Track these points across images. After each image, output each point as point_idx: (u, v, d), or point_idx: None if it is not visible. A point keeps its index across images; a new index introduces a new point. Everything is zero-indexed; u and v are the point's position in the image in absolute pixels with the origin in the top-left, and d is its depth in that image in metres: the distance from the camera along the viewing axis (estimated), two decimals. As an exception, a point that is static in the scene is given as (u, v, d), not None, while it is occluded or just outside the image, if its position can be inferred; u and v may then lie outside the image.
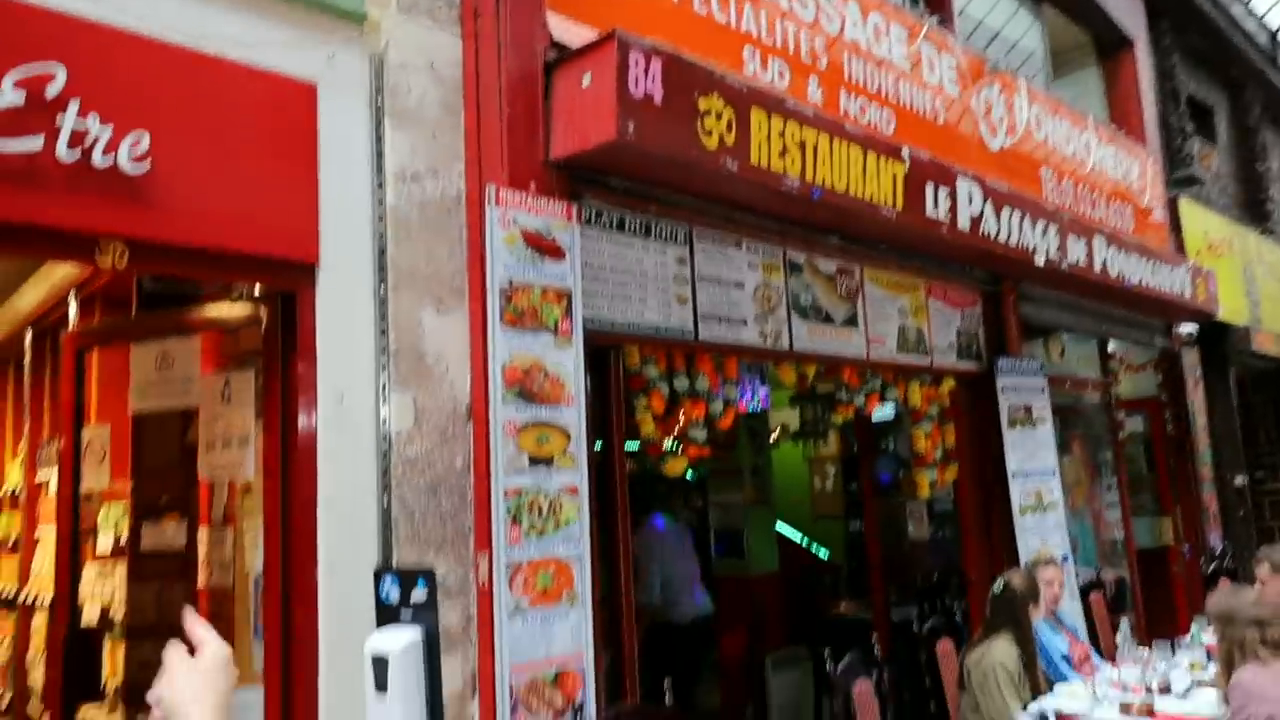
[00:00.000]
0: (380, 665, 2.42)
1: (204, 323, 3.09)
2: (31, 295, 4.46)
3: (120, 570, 3.32)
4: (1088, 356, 6.93)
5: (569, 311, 3.23)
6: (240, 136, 2.73)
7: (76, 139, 2.31)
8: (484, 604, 2.97)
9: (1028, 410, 5.34)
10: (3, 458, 5.32)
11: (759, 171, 3.49)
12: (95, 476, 3.28)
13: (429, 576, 2.57)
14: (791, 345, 4.29)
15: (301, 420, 2.88)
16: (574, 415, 3.19)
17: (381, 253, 3.07)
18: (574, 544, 3.12)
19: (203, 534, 3.21)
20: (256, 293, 3.05)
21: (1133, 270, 5.72)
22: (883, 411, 6.02)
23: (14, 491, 4.82)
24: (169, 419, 3.11)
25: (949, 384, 5.25)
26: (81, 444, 3.26)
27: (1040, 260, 4.88)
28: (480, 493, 3.04)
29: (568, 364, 3.19)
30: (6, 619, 4.76)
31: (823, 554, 8.42)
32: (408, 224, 3.13)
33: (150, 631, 3.22)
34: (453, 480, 3.09)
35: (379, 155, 3.11)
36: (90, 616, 3.34)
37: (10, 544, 4.84)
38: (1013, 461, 5.18)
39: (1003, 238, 4.70)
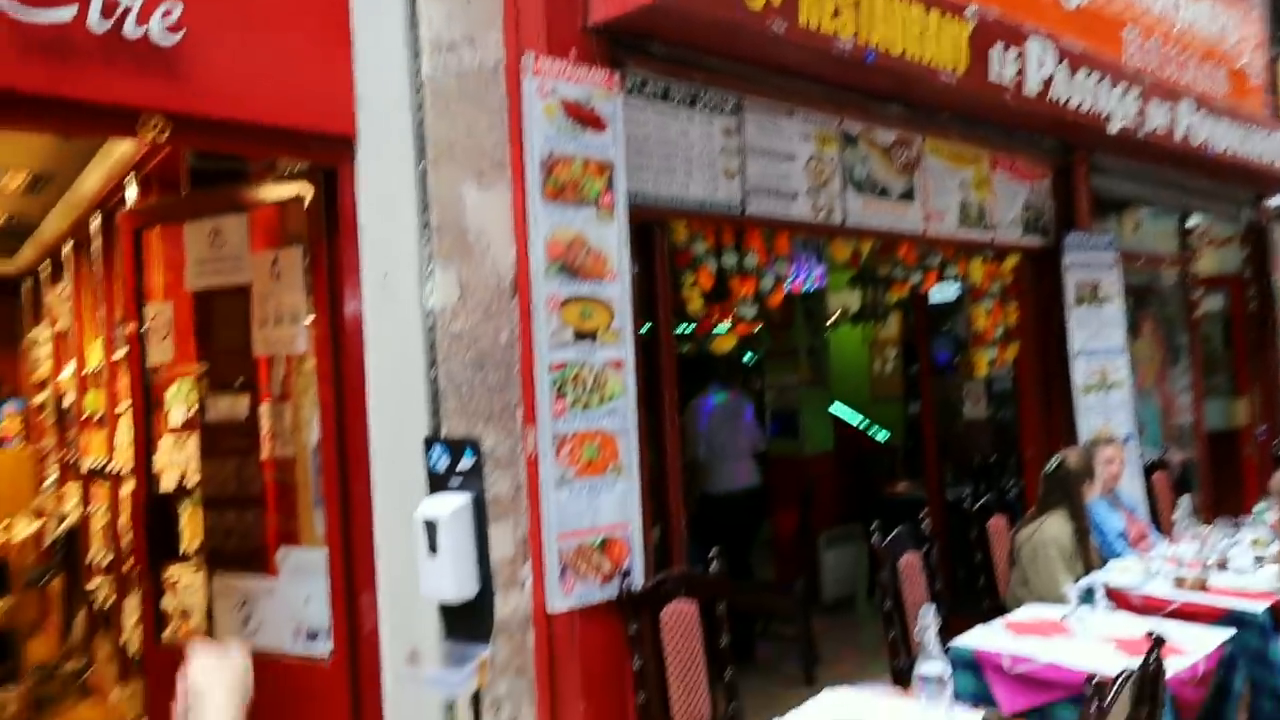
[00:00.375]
0: (431, 529, 2.52)
1: (252, 201, 3.13)
2: (94, 178, 4.58)
3: (192, 442, 3.48)
4: (1165, 231, 6.61)
5: (611, 185, 3.17)
6: (272, 7, 2.69)
7: (109, 8, 2.30)
8: (532, 474, 3.05)
9: (1094, 287, 5.15)
10: (85, 339, 5.57)
11: (809, 34, 3.32)
12: (160, 352, 3.41)
13: (475, 446, 2.63)
14: (845, 220, 4.17)
15: (348, 298, 2.93)
16: (617, 290, 3.18)
17: (420, 126, 3.02)
18: (619, 417, 3.16)
19: (264, 408, 3.33)
20: (300, 170, 3.06)
21: (1221, 137, 5.36)
22: (943, 293, 5.88)
23: (97, 370, 5.06)
24: (227, 296, 3.19)
25: (1013, 260, 5.07)
26: (145, 321, 3.37)
27: (1116, 127, 4.60)
28: (525, 367, 3.07)
29: (610, 238, 3.16)
30: (101, 488, 5.09)
31: (881, 436, 8.43)
32: (445, 95, 3.07)
33: (221, 498, 3.39)
34: (498, 355, 3.12)
35: (414, 24, 3.03)
36: (168, 484, 3.53)
37: (98, 419, 5.12)
38: (1077, 340, 5.04)
39: (1075, 103, 4.43)
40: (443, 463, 2.70)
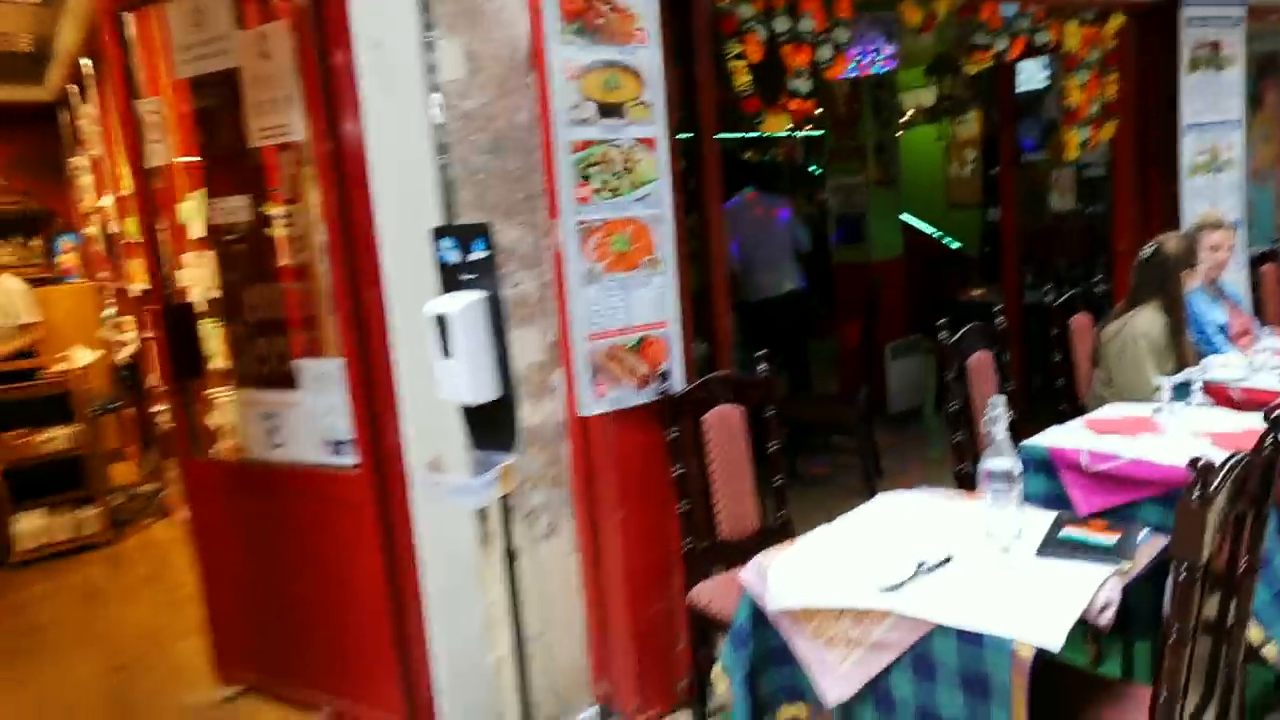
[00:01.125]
0: (442, 326, 2.29)
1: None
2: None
3: (212, 256, 3.30)
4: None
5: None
6: None
7: None
8: (559, 272, 2.78)
9: (1215, 48, 4.47)
10: (116, 161, 5.39)
11: None
12: (159, 153, 3.17)
13: (486, 234, 2.36)
14: (917, -27, 3.59)
15: (340, 76, 2.60)
16: (647, 56, 2.78)
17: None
18: (654, 204, 2.84)
19: (276, 210, 3.10)
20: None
21: None
22: (1031, 79, 5.24)
23: (132, 193, 4.89)
24: (220, 84, 2.89)
25: (1117, 21, 4.41)
26: (138, 119, 3.11)
27: None
28: (547, 151, 2.75)
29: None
30: (149, 313, 5.04)
31: (955, 246, 7.94)
32: None
33: (240, 310, 3.23)
34: (518, 137, 2.81)
35: None
36: (197, 300, 3.38)
37: (138, 244, 5.00)
38: (1189, 112, 4.43)
39: None
40: (453, 255, 2.44)
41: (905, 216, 6.83)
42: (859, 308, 5.75)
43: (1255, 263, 4.75)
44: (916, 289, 6.65)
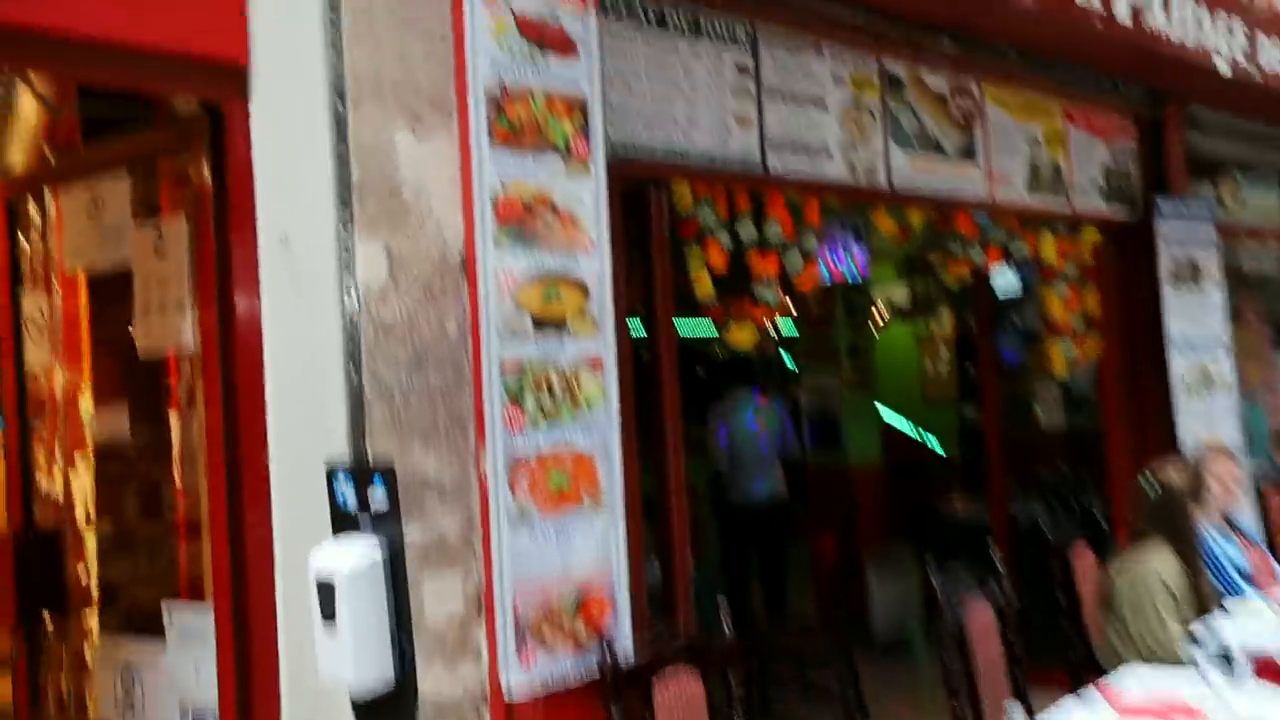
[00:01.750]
0: (326, 591, 1.84)
1: (129, 155, 2.49)
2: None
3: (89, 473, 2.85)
4: (1269, 201, 5.74)
5: (585, 129, 2.48)
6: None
7: None
8: (485, 509, 2.36)
9: (1194, 266, 4.34)
10: None
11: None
12: (41, 351, 2.78)
13: (387, 474, 1.96)
14: (890, 183, 3.44)
15: (239, 278, 2.27)
16: (595, 265, 2.48)
17: (336, 53, 2.36)
18: (597, 432, 2.46)
19: (173, 419, 2.69)
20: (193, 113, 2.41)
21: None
22: (1006, 280, 5.10)
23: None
24: (114, 281, 2.55)
25: (1092, 235, 4.28)
26: (22, 316, 2.74)
27: (1225, 67, 3.80)
28: (477, 365, 2.39)
29: (585, 197, 2.46)
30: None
31: (934, 446, 7.63)
32: (370, 14, 2.41)
33: (113, 537, 2.75)
34: (444, 350, 2.45)
35: None
36: (79, 518, 2.89)
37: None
38: (1174, 329, 4.23)
39: (1175, 37, 3.64)
40: (349, 497, 2.02)
41: (881, 409, 6.55)
42: (835, 516, 5.32)
43: (1258, 489, 4.43)
44: (897, 495, 6.26)
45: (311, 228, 2.32)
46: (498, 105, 2.34)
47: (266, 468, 2.25)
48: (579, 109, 2.48)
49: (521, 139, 2.37)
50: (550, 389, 2.38)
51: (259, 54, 2.29)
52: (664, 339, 2.94)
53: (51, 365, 2.86)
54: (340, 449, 2.32)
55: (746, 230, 3.12)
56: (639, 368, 2.84)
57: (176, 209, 2.42)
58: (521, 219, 2.36)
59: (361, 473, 1.99)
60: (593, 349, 2.47)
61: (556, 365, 2.40)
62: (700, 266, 3.02)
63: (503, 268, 2.32)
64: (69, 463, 2.93)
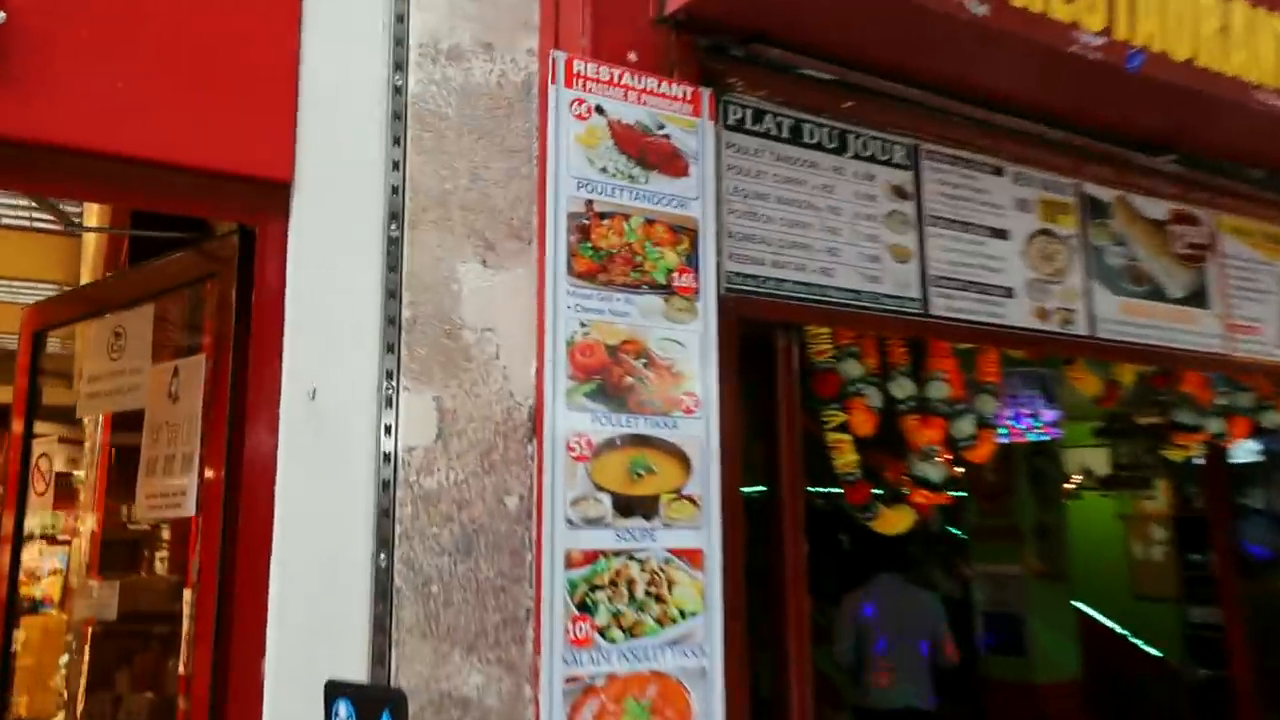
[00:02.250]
0: None
1: (154, 283, 2.37)
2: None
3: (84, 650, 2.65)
4: None
5: (694, 259, 2.20)
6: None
7: None
8: (541, 745, 1.97)
9: None
10: None
11: (1030, 20, 2.29)
12: (41, 506, 2.63)
13: (397, 708, 1.61)
14: (1092, 331, 2.99)
15: (256, 432, 2.06)
16: (699, 430, 2.14)
17: (397, 169, 2.21)
18: (694, 651, 2.06)
19: (186, 596, 2.47)
20: (228, 232, 2.28)
21: None
22: (1248, 450, 4.45)
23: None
24: (129, 429, 2.40)
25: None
26: (30, 464, 2.62)
27: None
28: (539, 557, 2.06)
29: (689, 343, 2.16)
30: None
31: (1152, 655, 6.70)
32: (440, 125, 2.26)
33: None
34: (501, 532, 2.16)
35: (401, 17, 2.28)
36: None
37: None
38: None
39: None
40: (350, 731, 1.68)
41: (1079, 607, 5.78)
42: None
43: None
44: (1100, 721, 5.43)
45: (347, 374, 2.09)
46: (583, 229, 2.09)
47: (260, 674, 1.96)
48: (686, 236, 2.20)
49: (610, 270, 2.10)
50: (632, 592, 2.01)
51: (305, 167, 2.13)
52: (789, 523, 2.54)
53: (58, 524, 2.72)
54: (356, 656, 2.01)
55: (902, 387, 2.75)
56: (756, 543, 2.46)
57: (197, 346, 2.25)
58: (605, 369, 2.06)
59: (366, 703, 1.65)
60: (692, 540, 2.10)
61: (642, 561, 2.04)
62: (841, 432, 2.64)
63: (575, 430, 2.01)
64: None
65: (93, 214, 3.28)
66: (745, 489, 2.36)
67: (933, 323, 2.70)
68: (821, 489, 4.57)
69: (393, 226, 2.18)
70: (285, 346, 2.08)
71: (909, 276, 2.68)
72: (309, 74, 2.17)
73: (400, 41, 2.27)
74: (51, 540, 5.35)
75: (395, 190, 2.20)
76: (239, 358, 2.11)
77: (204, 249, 2.24)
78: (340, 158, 2.18)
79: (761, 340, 2.52)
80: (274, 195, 2.12)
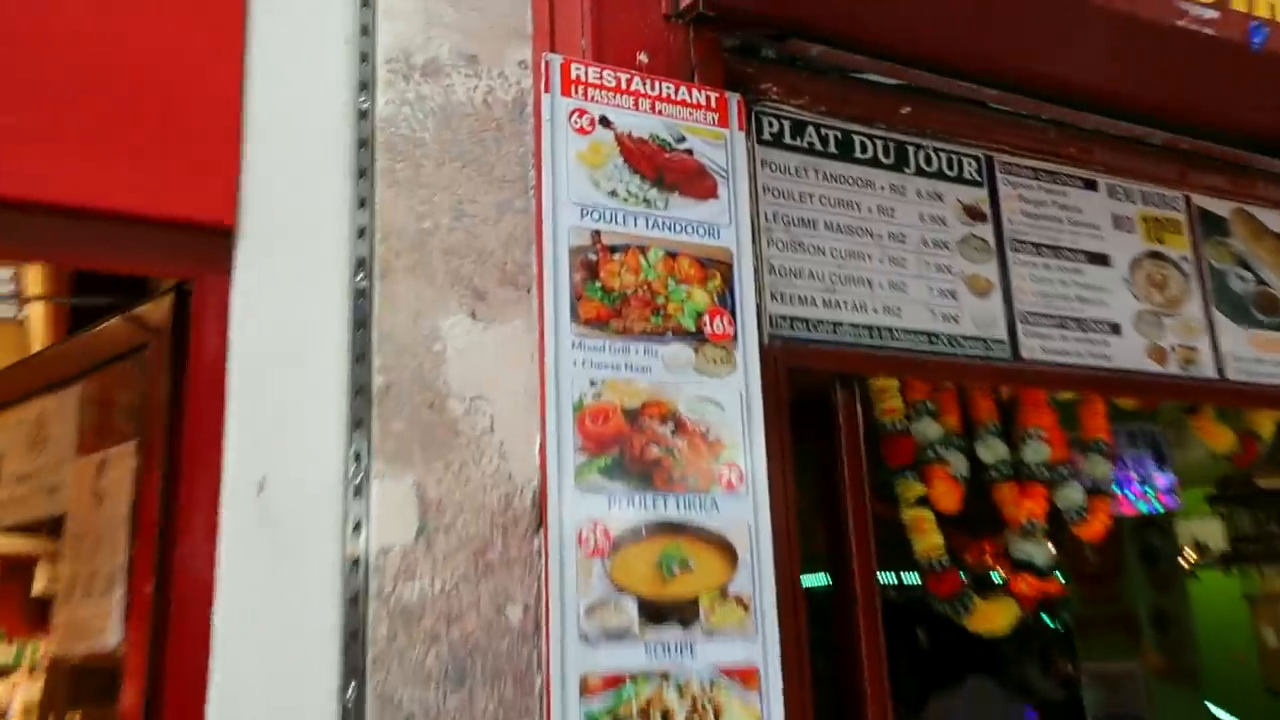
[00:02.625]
0: None
1: (80, 360, 2.13)
2: None
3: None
4: None
5: (729, 300, 1.93)
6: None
7: None
8: None
9: None
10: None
11: (1123, -8, 2.04)
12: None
13: None
14: (1221, 372, 2.68)
15: (188, 537, 1.79)
16: (746, 512, 1.85)
17: (361, 206, 1.99)
18: (750, 798, 1.73)
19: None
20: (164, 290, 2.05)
21: None
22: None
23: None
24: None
25: None
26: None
27: None
28: (549, 683, 1.76)
29: (728, 404, 1.88)
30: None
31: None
32: (415, 153, 2.05)
33: None
34: (503, 650, 1.88)
35: (364, 29, 2.09)
36: None
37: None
38: None
39: None
40: None
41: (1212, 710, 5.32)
42: None
43: None
44: None
45: (305, 459, 1.83)
46: (589, 266, 1.83)
47: None
48: (718, 271, 1.93)
49: (625, 316, 1.83)
50: (668, 722, 1.69)
51: (251, 209, 1.91)
52: (864, 625, 2.23)
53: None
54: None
55: (992, 449, 2.45)
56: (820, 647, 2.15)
57: (126, 434, 2.00)
58: (623, 438, 1.78)
59: None
60: (743, 653, 1.78)
61: (681, 684, 1.72)
62: (921, 507, 2.33)
63: (588, 518, 1.72)
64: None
65: (36, 285, 3.08)
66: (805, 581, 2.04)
67: (1024, 368, 2.41)
68: (895, 576, 4.24)
69: (359, 276, 1.95)
70: (228, 428, 1.82)
71: (992, 313, 2.40)
72: (256, 98, 1.97)
73: (365, 57, 2.06)
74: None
75: (361, 233, 1.97)
76: (172, 445, 1.84)
77: (135, 315, 2.01)
78: (294, 196, 1.96)
79: (816, 397, 2.25)
80: (213, 244, 1.89)
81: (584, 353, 1.79)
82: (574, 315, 1.80)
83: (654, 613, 1.73)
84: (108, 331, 2.05)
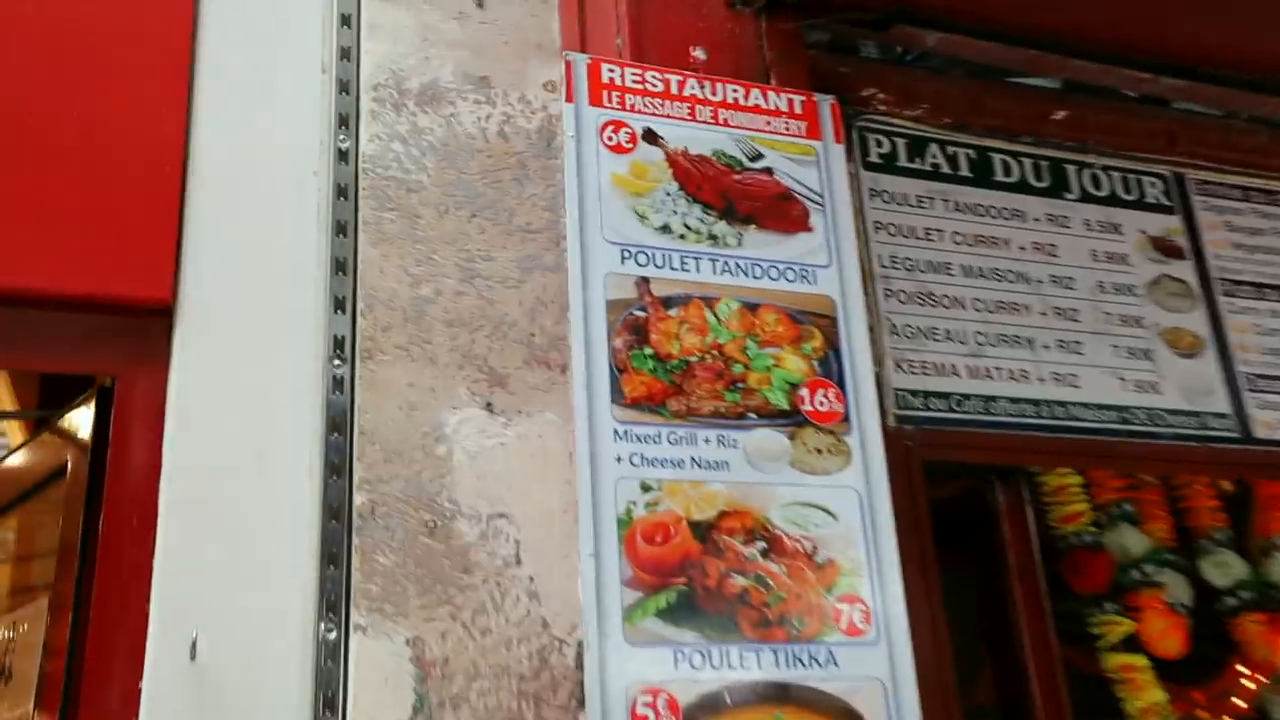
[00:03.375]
0: None
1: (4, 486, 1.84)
2: None
3: None
4: None
5: (832, 366, 1.52)
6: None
7: None
8: None
9: None
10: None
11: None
12: None
13: None
14: None
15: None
16: (878, 665, 1.42)
17: (340, 270, 1.68)
18: None
19: None
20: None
21: None
22: None
23: None
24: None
25: None
26: None
27: None
28: None
29: (843, 511, 1.47)
30: None
31: None
32: (409, 200, 1.79)
33: None
34: None
35: (344, 53, 1.83)
36: None
37: None
38: None
39: None
40: None
41: None
42: None
43: None
44: None
45: (255, 613, 1.48)
46: (635, 328, 1.46)
47: None
48: (817, 329, 1.54)
49: (688, 392, 1.45)
50: None
51: (194, 282, 1.61)
52: None
53: None
54: None
55: (1223, 567, 2.03)
56: None
57: (39, 584, 1.68)
58: (691, 564, 1.38)
59: None
60: None
61: None
62: (1129, 652, 1.87)
63: (643, 683, 1.30)
64: None
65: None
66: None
67: (1260, 452, 1.93)
68: None
69: (336, 360, 1.62)
70: (155, 572, 1.48)
71: (1206, 379, 1.99)
72: (203, 144, 1.73)
73: (346, 87, 1.77)
74: None
75: (340, 304, 1.65)
76: (82, 598, 1.50)
77: (57, 428, 1.70)
78: (251, 263, 1.67)
79: (966, 501, 1.83)
80: (142, 328, 1.60)
81: (631, 445, 1.41)
82: (616, 394, 1.42)
83: None
84: (28, 453, 1.75)
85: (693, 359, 1.48)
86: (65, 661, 1.52)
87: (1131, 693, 1.91)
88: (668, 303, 1.50)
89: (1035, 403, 1.83)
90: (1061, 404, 1.85)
